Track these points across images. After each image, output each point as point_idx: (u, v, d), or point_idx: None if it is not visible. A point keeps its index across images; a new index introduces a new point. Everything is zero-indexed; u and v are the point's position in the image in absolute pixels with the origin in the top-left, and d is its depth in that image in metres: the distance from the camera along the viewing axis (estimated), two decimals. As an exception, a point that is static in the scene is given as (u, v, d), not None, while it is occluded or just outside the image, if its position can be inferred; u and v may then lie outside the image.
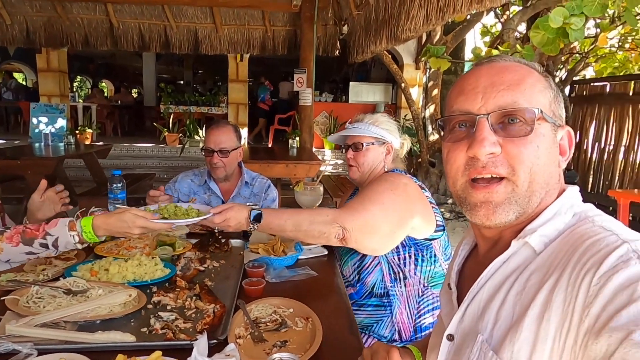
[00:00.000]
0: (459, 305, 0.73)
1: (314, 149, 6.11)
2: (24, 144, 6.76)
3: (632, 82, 5.37)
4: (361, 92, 9.94)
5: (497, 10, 5.98)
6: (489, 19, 7.17)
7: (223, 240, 1.77)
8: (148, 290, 1.30)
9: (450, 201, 5.88)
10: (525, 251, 0.65)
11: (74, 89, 13.55)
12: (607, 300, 0.50)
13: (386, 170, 1.65)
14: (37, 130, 6.46)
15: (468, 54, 8.10)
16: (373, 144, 1.62)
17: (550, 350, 0.55)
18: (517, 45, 3.72)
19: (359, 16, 4.99)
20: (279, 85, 10.81)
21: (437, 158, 6.35)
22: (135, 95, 13.93)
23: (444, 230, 1.57)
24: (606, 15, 4.22)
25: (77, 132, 8.30)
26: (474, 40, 7.88)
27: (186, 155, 7.87)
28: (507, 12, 5.96)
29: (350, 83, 10.12)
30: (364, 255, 1.55)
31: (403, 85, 6.41)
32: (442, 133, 0.73)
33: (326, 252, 1.74)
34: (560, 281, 0.57)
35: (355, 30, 5.29)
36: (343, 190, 4.45)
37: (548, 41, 2.70)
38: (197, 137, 8.61)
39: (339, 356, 1.04)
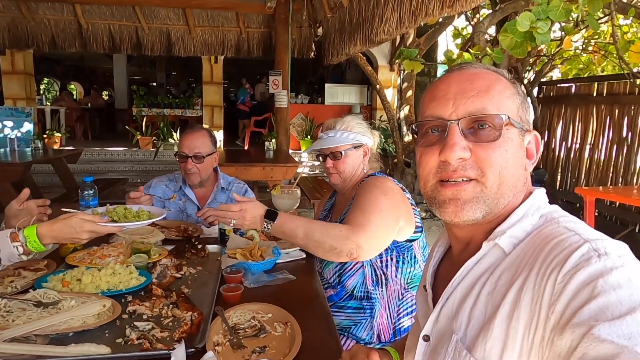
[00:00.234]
0: (434, 306, 0.75)
1: (290, 151, 6.10)
2: (-13, 150, 6.50)
3: (596, 84, 5.58)
4: (337, 94, 10.00)
5: (467, 13, 6.13)
6: (460, 22, 7.35)
7: (200, 246, 1.75)
8: (123, 300, 1.27)
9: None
10: (495, 252, 0.68)
11: (41, 92, 13.07)
12: (570, 297, 0.53)
13: (365, 171, 1.68)
14: (1, 135, 6.22)
15: (440, 56, 8.29)
16: (351, 149, 1.65)
17: (520, 347, 0.58)
18: (487, 48, 3.82)
19: (334, 19, 5.02)
20: (254, 87, 10.75)
21: (412, 158, 6.44)
22: (106, 98, 13.55)
23: (422, 231, 1.59)
24: (570, 19, 4.39)
25: (44, 136, 8.04)
26: (446, 43, 8.07)
27: (160, 159, 7.75)
28: (478, 16, 6.11)
29: (326, 85, 10.16)
30: None
31: (378, 86, 6.48)
32: (415, 137, 0.75)
33: (304, 256, 1.74)
34: (528, 280, 0.59)
35: (329, 33, 5.31)
36: (321, 193, 4.45)
37: (516, 44, 2.79)
38: (171, 141, 8.47)
39: (319, 360, 1.05)
